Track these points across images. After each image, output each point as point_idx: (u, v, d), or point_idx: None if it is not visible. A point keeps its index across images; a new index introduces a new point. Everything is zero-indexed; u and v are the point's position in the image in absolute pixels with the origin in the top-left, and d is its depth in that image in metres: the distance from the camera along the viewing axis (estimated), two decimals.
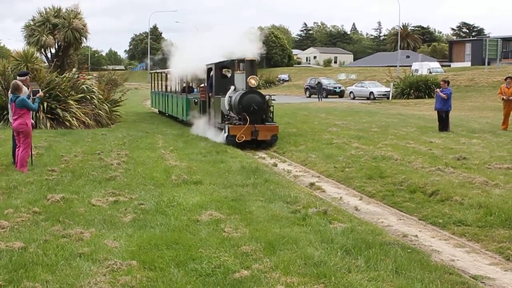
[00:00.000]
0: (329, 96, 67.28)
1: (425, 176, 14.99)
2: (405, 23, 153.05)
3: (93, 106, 30.61)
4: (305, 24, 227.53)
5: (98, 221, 10.55)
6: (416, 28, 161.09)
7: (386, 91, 61.94)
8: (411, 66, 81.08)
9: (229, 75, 26.45)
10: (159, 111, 43.86)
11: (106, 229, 10.05)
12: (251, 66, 22.76)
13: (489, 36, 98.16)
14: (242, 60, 23.90)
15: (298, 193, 13.32)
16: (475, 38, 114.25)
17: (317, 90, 65.16)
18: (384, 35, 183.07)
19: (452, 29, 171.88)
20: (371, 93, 62.31)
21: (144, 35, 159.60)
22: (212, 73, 26.45)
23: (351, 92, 66.81)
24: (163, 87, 42.02)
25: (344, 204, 13.43)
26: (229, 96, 23.64)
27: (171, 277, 7.73)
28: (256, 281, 7.48)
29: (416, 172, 15.61)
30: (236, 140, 22.08)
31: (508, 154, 18.34)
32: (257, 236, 9.50)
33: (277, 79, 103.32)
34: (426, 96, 55.20)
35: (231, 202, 12.25)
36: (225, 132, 23.04)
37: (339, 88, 69.78)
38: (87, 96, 30.80)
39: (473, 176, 14.79)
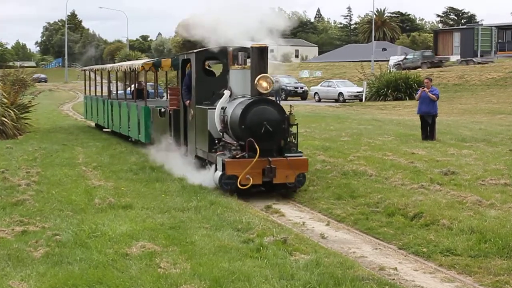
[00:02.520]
0: (289, 98, 67.39)
1: (406, 195, 15.12)
2: (381, 9, 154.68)
3: None
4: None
5: (1, 256, 10.41)
6: (394, 15, 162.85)
7: (358, 92, 62.36)
8: (388, 60, 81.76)
9: (218, 71, 20.65)
10: (96, 124, 36.86)
11: (11, 267, 9.92)
12: (261, 58, 16.51)
13: (481, 24, 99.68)
14: (243, 48, 18.08)
15: (251, 218, 13.31)
16: (465, 26, 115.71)
17: (274, 91, 65.13)
18: (356, 24, 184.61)
19: (438, 15, 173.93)
20: (341, 94, 62.63)
21: (60, 24, 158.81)
22: (190, 68, 20.21)
23: (316, 93, 66.96)
24: (105, 90, 35.58)
25: (307, 231, 13.46)
26: (222, 108, 17.22)
27: None
28: None
29: (395, 191, 15.74)
30: (238, 184, 15.85)
31: (505, 167, 18.55)
32: (200, 273, 9.45)
33: None
34: (407, 98, 55.49)
35: (168, 230, 12.20)
36: (217, 169, 16.72)
37: (302, 88, 69.82)
38: None
39: (464, 194, 14.95)
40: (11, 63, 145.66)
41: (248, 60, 17.59)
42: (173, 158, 20.30)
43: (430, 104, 25.97)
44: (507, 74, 62.30)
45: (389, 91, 58.00)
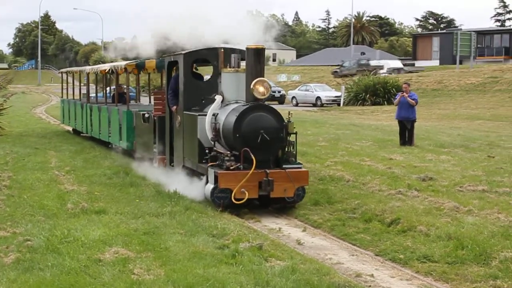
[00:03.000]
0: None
1: (383, 201, 15.18)
2: (359, 13, 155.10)
3: None
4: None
5: None
6: (373, 19, 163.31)
7: (336, 96, 62.54)
8: None
9: (208, 76, 19.64)
10: (74, 129, 35.25)
11: None
12: (257, 60, 15.43)
13: (461, 29, 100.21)
14: (236, 50, 17.16)
15: (226, 223, 13.31)
16: (444, 31, 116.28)
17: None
18: (334, 27, 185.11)
19: (417, 19, 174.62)
20: (318, 98, 62.79)
21: (33, 25, 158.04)
22: (176, 70, 19.08)
23: (293, 97, 67.07)
24: (83, 93, 34.22)
25: (283, 237, 13.43)
26: (213, 114, 15.99)
27: None
28: None
29: (373, 197, 15.79)
30: (232, 199, 14.66)
31: (483, 174, 18.66)
32: (174, 279, 9.45)
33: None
34: (385, 102, 55.66)
35: (142, 236, 12.17)
36: (208, 181, 15.57)
37: (279, 92, 69.66)
38: None
39: (442, 200, 15.03)
40: None
41: (242, 63, 16.57)
42: (158, 168, 19.30)
43: (408, 109, 26.05)
44: (486, 79, 62.60)
45: (368, 95, 58.13)
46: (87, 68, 31.39)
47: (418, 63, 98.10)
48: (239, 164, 14.88)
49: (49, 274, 9.71)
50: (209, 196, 15.00)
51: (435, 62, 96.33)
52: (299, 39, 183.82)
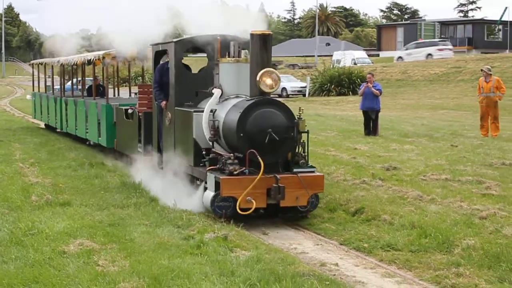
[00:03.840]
0: None
1: (348, 190, 15.21)
2: (324, 4, 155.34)
3: None
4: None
5: None
6: (338, 10, 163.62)
7: (301, 87, 62.61)
8: (332, 55, 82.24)
9: (200, 66, 17.33)
10: (46, 125, 32.91)
11: None
12: (263, 48, 13.43)
13: (424, 19, 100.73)
14: (236, 38, 15.14)
15: (191, 214, 13.25)
16: (408, 21, 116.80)
17: None
18: (299, 18, 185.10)
19: (381, 10, 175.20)
20: (284, 89, 62.73)
21: None
22: (166, 60, 16.78)
23: None
24: (57, 86, 32.30)
25: (249, 227, 13.31)
26: (211, 111, 13.99)
27: None
28: None
29: (337, 186, 15.83)
30: (237, 208, 12.77)
31: (446, 163, 18.76)
32: (139, 270, 9.40)
33: None
34: (350, 93, 55.88)
35: (107, 227, 12.11)
36: (208, 187, 13.49)
37: None
38: None
39: (405, 189, 15.09)
40: None
41: (243, 53, 14.94)
42: (145, 171, 16.87)
43: (373, 100, 26.19)
44: (450, 69, 62.91)
45: (333, 86, 58.36)
46: (62, 58, 28.13)
47: (383, 54, 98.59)
48: (244, 168, 12.89)
49: (12, 267, 9.65)
50: (209, 206, 12.96)
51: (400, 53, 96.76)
52: None
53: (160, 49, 16.68)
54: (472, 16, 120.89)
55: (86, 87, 27.87)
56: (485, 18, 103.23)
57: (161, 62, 17.13)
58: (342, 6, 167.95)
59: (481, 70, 27.87)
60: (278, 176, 12.80)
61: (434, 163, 18.82)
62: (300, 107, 13.92)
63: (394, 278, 10.12)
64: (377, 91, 26.05)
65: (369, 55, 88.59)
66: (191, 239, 11.38)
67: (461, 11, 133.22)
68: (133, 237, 11.42)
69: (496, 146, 22.62)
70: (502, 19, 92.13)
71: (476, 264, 10.09)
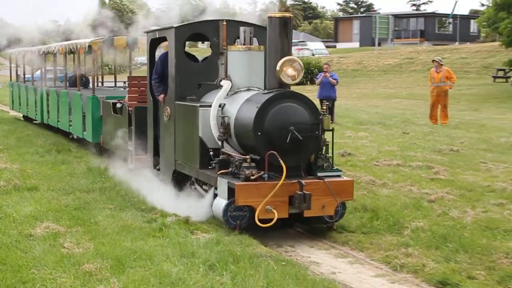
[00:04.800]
0: None
1: None
2: None
3: None
4: None
5: None
6: (297, 3, 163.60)
7: None
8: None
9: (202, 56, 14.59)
10: (25, 116, 30.25)
11: None
12: (283, 34, 11.05)
13: (379, 13, 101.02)
14: (245, 23, 13.14)
15: (154, 195, 13.09)
16: (363, 14, 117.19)
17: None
18: (260, 10, 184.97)
19: (338, 4, 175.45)
20: None
21: None
22: (163, 49, 15.16)
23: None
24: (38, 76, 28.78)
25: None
26: (220, 106, 11.72)
27: None
28: None
29: None
30: (256, 220, 10.40)
31: (398, 149, 18.90)
32: (103, 252, 9.36)
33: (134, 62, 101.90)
34: (308, 83, 55.85)
35: (73, 211, 12.07)
36: (219, 194, 11.11)
37: None
38: None
39: (359, 174, 15.15)
40: None
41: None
42: (139, 173, 14.52)
43: (330, 89, 26.38)
44: (403, 60, 63.38)
45: None
46: (44, 47, 25.35)
47: (340, 45, 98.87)
48: (262, 172, 10.53)
49: None
50: (221, 216, 10.65)
51: (356, 44, 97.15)
52: None
53: (157, 36, 14.13)
54: (424, 10, 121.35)
55: (68, 77, 24.73)
56: (436, 12, 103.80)
57: (162, 52, 14.68)
58: (301, 0, 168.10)
59: (433, 60, 28.09)
60: (303, 182, 10.41)
61: (386, 149, 18.97)
62: (323, 102, 12.08)
63: (347, 258, 10.16)
64: (334, 81, 26.26)
65: (326, 47, 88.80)
66: (153, 222, 11.34)
67: (414, 4, 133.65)
68: (98, 221, 11.38)
69: (445, 133, 22.86)
70: (454, 12, 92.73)
71: (424, 245, 10.17)
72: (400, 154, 17.87)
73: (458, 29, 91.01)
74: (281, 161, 10.27)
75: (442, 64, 27.02)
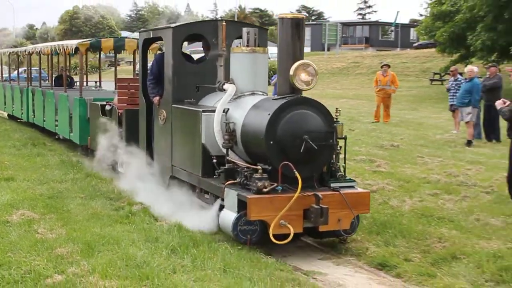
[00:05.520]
0: None
1: None
2: (243, 5, 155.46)
3: None
4: (135, 3, 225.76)
5: None
6: (255, 11, 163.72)
7: None
8: None
9: (198, 55, 13.13)
10: (10, 115, 28.23)
11: None
12: (296, 36, 9.47)
13: (329, 21, 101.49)
14: (244, 24, 12.47)
15: (122, 188, 13.10)
16: (314, 22, 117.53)
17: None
18: (221, 18, 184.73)
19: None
20: None
21: None
22: (159, 50, 14.35)
23: None
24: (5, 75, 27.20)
25: None
26: (225, 110, 10.00)
27: None
28: (70, 287, 7.34)
29: None
30: (270, 236, 8.82)
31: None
32: (74, 237, 9.33)
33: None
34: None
35: (47, 200, 11.97)
36: (227, 207, 9.45)
37: None
38: None
39: None
40: None
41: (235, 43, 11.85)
42: (133, 177, 12.73)
43: None
44: (349, 64, 63.78)
45: None
46: (28, 48, 23.79)
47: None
48: (275, 184, 8.92)
49: None
50: (231, 230, 9.03)
51: (307, 49, 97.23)
52: None
53: (151, 36, 12.55)
54: (369, 19, 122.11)
55: (54, 78, 23.34)
56: (379, 21, 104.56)
57: (158, 52, 13.35)
58: (258, 8, 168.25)
59: (383, 65, 28.35)
60: (320, 195, 8.91)
61: None
62: (337, 108, 10.06)
63: (297, 243, 10.14)
64: None
65: None
66: (121, 210, 11.33)
67: (360, 13, 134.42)
68: (70, 208, 11.32)
69: (387, 130, 23.11)
70: (396, 21, 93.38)
71: (367, 230, 10.25)
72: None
73: (399, 36, 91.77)
74: (296, 172, 8.69)
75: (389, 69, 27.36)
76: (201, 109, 10.31)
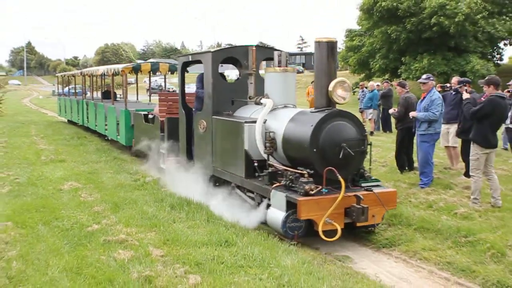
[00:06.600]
0: None
1: None
2: (219, 42, 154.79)
3: None
4: (146, 41, 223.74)
5: None
6: (228, 45, 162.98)
7: None
8: None
9: (231, 75, 11.30)
10: (69, 120, 25.87)
11: None
12: (331, 57, 7.90)
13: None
14: (271, 48, 10.63)
15: (138, 167, 13.08)
16: None
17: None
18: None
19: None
20: None
21: (21, 49, 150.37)
22: (200, 72, 10.58)
23: None
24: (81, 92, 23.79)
25: None
26: (264, 121, 8.49)
27: (38, 232, 7.44)
28: (104, 232, 7.36)
29: None
30: (320, 234, 7.15)
31: None
32: (106, 199, 9.35)
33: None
34: None
35: (87, 174, 11.94)
36: (274, 206, 7.67)
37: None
38: None
39: None
40: None
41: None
42: (176, 173, 10.87)
43: None
44: None
45: None
46: (85, 70, 22.10)
47: None
48: (321, 187, 7.44)
49: (29, 199, 9.44)
50: (280, 227, 7.41)
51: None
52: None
53: (190, 60, 10.86)
54: (306, 50, 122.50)
55: (102, 93, 21.43)
56: (312, 52, 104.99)
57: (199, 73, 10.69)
58: (230, 43, 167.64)
59: (313, 82, 27.63)
60: (361, 196, 7.46)
61: None
62: (364, 119, 7.76)
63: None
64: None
65: None
66: (137, 181, 11.31)
67: (299, 47, 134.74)
68: (103, 180, 11.30)
69: None
70: None
71: None
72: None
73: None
74: (339, 176, 7.25)
75: None
76: (243, 121, 8.68)
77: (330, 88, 7.70)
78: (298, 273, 5.89)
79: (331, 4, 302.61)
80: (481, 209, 8.74)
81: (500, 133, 14.70)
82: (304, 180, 7.36)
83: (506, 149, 15.14)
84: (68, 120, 25.98)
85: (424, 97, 10.64)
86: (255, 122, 8.47)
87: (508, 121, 13.76)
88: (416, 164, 11.53)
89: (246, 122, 8.56)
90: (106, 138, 18.29)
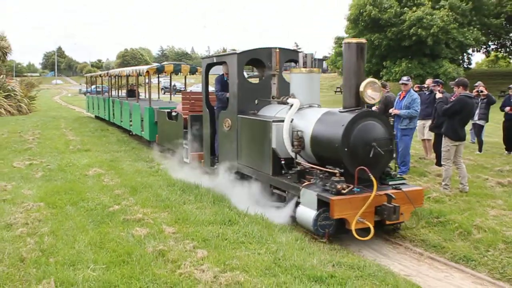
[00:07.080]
0: None
1: None
2: (225, 47, 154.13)
3: (16, 100, 29.24)
4: (161, 46, 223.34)
5: (17, 177, 9.92)
6: (233, 50, 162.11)
7: None
8: None
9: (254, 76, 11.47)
10: (96, 116, 24.70)
11: (23, 183, 9.47)
12: (360, 58, 6.89)
13: None
14: (293, 50, 9.47)
15: (154, 155, 12.99)
16: None
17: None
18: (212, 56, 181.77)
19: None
20: None
21: (52, 53, 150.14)
22: (225, 73, 9.65)
23: None
24: (106, 90, 23.28)
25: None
26: (291, 120, 7.52)
27: (67, 212, 7.44)
28: (123, 212, 7.35)
29: None
30: (353, 233, 6.22)
31: None
32: (125, 184, 9.32)
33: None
34: None
35: (109, 162, 11.91)
36: (305, 204, 6.67)
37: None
38: (12, 94, 29.37)
39: None
40: (25, 74, 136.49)
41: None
42: (198, 168, 10.26)
43: None
44: None
45: None
46: (111, 71, 21.18)
47: None
48: (352, 186, 6.49)
49: (59, 183, 9.43)
50: (311, 225, 6.44)
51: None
52: (194, 61, 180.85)
53: (215, 61, 9.72)
54: None
55: (126, 91, 20.10)
56: None
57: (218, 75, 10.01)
58: (234, 48, 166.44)
59: None
60: (393, 195, 6.46)
61: None
62: (388, 118, 7.46)
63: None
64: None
65: None
66: (153, 168, 11.26)
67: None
68: (123, 167, 11.26)
69: None
70: (314, 57, 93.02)
71: None
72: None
73: (316, 66, 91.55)
74: (371, 175, 6.31)
75: None
76: (271, 120, 7.71)
77: (361, 89, 6.80)
78: (292, 249, 5.89)
79: (322, 16, 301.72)
80: (451, 193, 8.74)
81: (468, 128, 14.66)
82: (336, 179, 6.49)
83: (473, 142, 15.11)
84: (96, 116, 25.10)
85: (404, 96, 10.63)
86: (282, 121, 7.58)
87: (475, 118, 13.76)
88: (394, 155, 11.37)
89: (273, 121, 7.62)
90: (130, 133, 17.47)
